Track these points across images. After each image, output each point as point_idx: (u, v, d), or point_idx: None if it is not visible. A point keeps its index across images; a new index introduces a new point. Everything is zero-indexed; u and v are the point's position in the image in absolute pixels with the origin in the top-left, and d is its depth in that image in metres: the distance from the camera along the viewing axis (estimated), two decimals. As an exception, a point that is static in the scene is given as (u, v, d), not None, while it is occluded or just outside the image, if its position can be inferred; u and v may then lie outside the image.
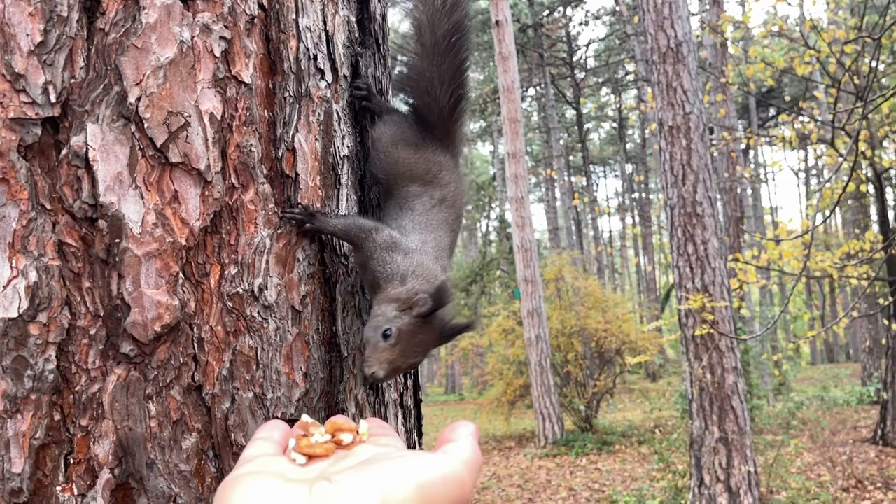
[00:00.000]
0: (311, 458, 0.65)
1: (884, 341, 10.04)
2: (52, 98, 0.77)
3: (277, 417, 0.88)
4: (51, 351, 0.75)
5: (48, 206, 0.77)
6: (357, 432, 0.69)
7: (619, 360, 13.44)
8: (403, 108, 1.21)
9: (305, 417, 0.74)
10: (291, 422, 0.91)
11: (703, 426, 6.98)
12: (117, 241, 0.77)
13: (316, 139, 0.96)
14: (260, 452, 0.64)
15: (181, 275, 0.82)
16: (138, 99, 0.79)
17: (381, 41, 1.19)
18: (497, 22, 13.15)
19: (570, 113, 33.67)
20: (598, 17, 29.22)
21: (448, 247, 1.11)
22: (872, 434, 10.56)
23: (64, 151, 0.77)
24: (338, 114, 1.02)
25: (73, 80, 0.78)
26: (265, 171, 0.90)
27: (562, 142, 28.09)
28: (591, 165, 35.11)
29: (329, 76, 1.00)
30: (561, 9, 28.02)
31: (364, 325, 1.01)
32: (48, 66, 0.77)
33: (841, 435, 11.14)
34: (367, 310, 1.06)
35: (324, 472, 0.58)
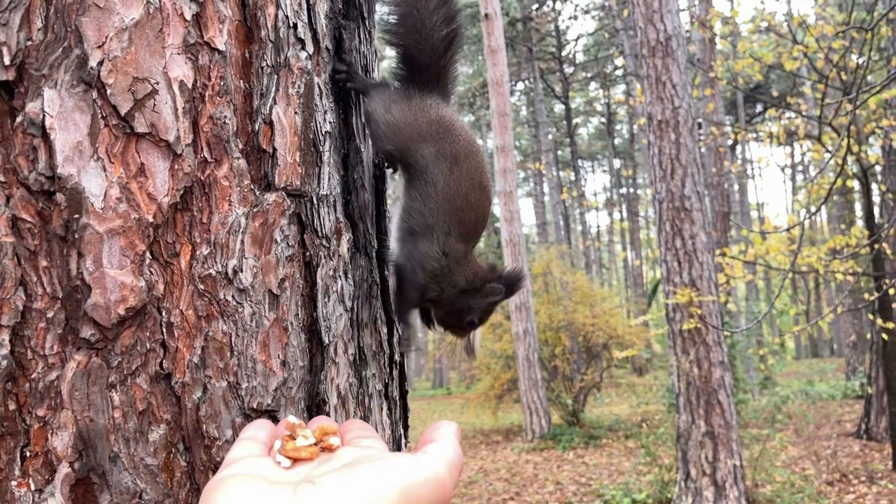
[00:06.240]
0: (295, 461, 0.64)
1: (868, 336, 10.12)
2: (7, 61, 0.71)
3: (253, 407, 0.83)
4: (4, 335, 0.70)
5: (1, 179, 0.71)
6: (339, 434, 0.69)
7: (606, 354, 13.47)
8: (391, 80, 1.15)
9: (291, 418, 0.71)
10: (269, 412, 0.85)
11: (690, 420, 6.99)
12: (77, 216, 0.71)
13: (295, 113, 0.90)
14: (245, 453, 0.65)
15: (148, 254, 0.76)
16: (100, 63, 0.73)
17: (365, 15, 1.13)
18: (486, 15, 13.08)
19: (558, 107, 33.68)
20: (587, 12, 29.21)
21: (474, 222, 1.08)
22: (856, 428, 10.65)
23: (19, 119, 0.71)
24: (319, 87, 0.96)
25: (29, 42, 0.72)
26: (240, 146, 0.84)
27: (550, 136, 28.07)
28: (579, 160, 35.17)
29: (310, 47, 0.94)
30: (550, 3, 27.97)
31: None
32: (2, 27, 0.70)
33: (825, 429, 11.24)
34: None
35: (308, 475, 0.58)
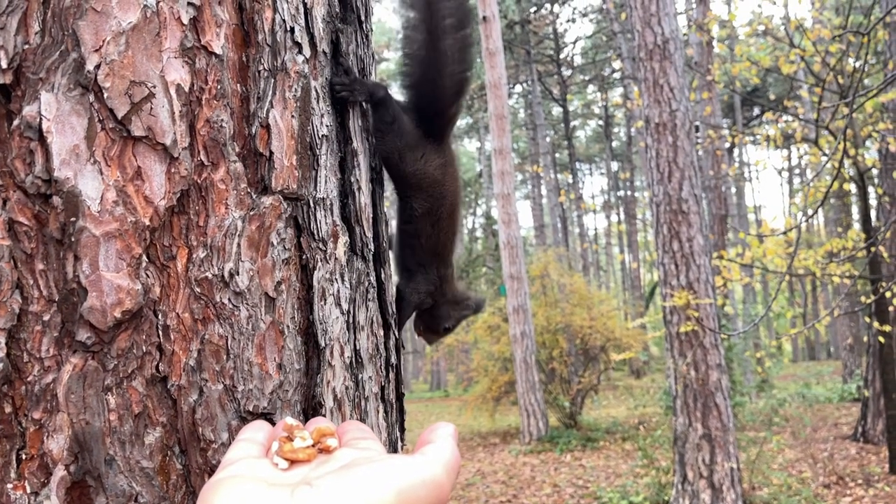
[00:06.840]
0: (293, 462, 0.64)
1: (865, 339, 10.13)
2: (4, 64, 0.71)
3: (249, 410, 0.83)
4: (0, 338, 0.70)
5: (-2, 182, 0.71)
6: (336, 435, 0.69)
7: (603, 356, 13.46)
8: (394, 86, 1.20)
9: (289, 420, 0.71)
10: (265, 415, 0.86)
11: (687, 423, 7.00)
12: (73, 219, 0.72)
13: (292, 116, 0.90)
14: (243, 454, 0.64)
15: (144, 257, 0.76)
16: (97, 66, 0.73)
17: (363, 18, 1.13)
18: (484, 18, 13.09)
19: (556, 110, 33.71)
20: (585, 15, 29.25)
21: (449, 255, 1.36)
22: (853, 431, 10.66)
23: (16, 122, 0.71)
24: (316, 91, 0.96)
25: (26, 46, 0.72)
26: (237, 149, 0.84)
27: (548, 139, 28.08)
28: (577, 163, 35.20)
29: (307, 51, 0.94)
30: (548, 5, 28.01)
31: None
32: (-1, 30, 0.71)
33: (822, 432, 11.25)
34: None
35: (305, 477, 0.58)
